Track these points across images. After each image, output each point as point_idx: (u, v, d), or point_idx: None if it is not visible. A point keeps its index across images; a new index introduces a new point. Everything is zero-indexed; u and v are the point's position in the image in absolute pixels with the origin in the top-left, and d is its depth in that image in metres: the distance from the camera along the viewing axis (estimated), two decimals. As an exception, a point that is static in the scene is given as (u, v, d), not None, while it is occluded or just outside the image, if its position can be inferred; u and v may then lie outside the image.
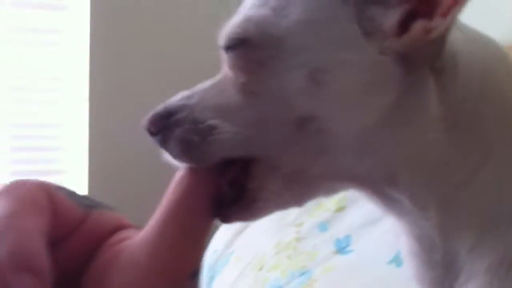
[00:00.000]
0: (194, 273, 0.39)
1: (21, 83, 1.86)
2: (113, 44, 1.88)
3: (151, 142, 0.46)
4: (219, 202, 0.41)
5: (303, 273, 1.10)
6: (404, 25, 0.42)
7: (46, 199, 0.37)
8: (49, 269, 0.34)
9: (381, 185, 0.46)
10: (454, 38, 0.44)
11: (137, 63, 1.92)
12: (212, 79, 0.47)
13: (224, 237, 1.41)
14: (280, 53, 0.43)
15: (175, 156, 0.44)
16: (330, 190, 0.49)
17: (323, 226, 1.19)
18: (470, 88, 0.44)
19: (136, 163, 1.80)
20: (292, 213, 1.29)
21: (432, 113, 0.43)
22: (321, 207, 1.24)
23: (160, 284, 0.38)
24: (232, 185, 0.44)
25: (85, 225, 0.40)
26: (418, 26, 0.41)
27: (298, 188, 0.46)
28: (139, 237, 0.39)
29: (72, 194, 0.40)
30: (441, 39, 0.43)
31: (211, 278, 1.32)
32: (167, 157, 0.45)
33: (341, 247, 1.10)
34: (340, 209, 1.19)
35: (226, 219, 0.44)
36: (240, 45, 0.44)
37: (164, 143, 0.44)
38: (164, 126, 0.44)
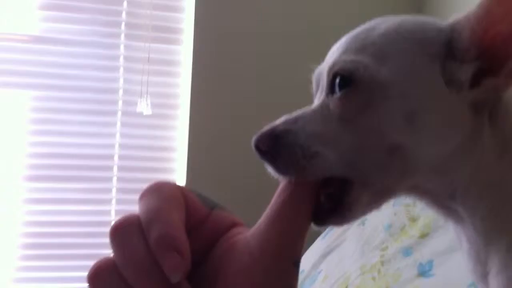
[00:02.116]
0: (296, 262, 0.47)
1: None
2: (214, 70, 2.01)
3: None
4: (317, 210, 0.49)
5: (386, 294, 1.16)
6: (477, 79, 0.52)
7: (182, 197, 0.46)
8: (189, 253, 0.42)
9: (443, 198, 0.56)
10: None
11: (235, 87, 2.03)
12: (310, 106, 0.56)
13: (311, 258, 1.48)
14: (382, 96, 0.51)
15: (281, 173, 0.51)
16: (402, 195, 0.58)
17: (407, 251, 1.24)
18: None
19: (231, 170, 1.93)
20: (377, 238, 1.35)
21: (486, 143, 0.53)
22: (406, 233, 1.30)
23: (270, 268, 0.45)
24: (329, 198, 0.52)
25: (208, 220, 0.47)
26: (488, 82, 0.51)
27: (382, 199, 0.54)
28: (252, 231, 0.48)
29: (199, 195, 0.49)
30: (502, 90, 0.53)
31: (298, 296, 1.40)
32: (271, 171, 0.53)
33: (424, 271, 1.15)
34: (424, 235, 1.24)
35: (322, 223, 0.52)
36: (348, 83, 0.52)
37: (272, 161, 0.52)
38: (272, 147, 0.52)
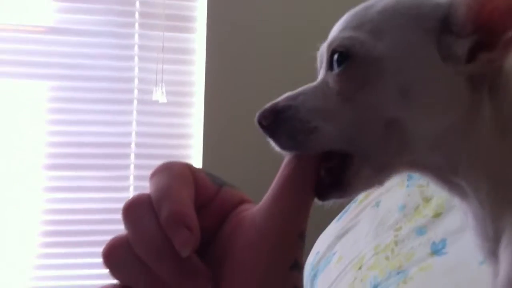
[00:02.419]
0: (301, 234, 0.48)
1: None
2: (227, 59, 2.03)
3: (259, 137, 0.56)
4: (317, 185, 0.50)
5: (399, 272, 1.17)
6: (473, 53, 0.52)
7: (191, 176, 0.47)
8: (198, 228, 0.43)
9: (446, 173, 0.56)
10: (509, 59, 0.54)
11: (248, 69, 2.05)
12: (313, 83, 0.57)
13: (326, 240, 1.50)
14: (378, 71, 0.53)
15: (282, 147, 0.53)
16: (404, 173, 0.59)
17: (421, 231, 1.25)
18: None
19: (246, 156, 1.95)
20: (391, 219, 1.36)
21: (486, 117, 0.53)
22: (419, 213, 1.31)
23: (275, 242, 0.47)
24: (330, 172, 0.53)
25: (217, 198, 0.49)
26: (483, 56, 0.51)
27: (382, 175, 0.55)
28: (257, 206, 0.49)
29: (208, 173, 0.50)
30: (499, 67, 0.53)
31: (314, 276, 1.42)
32: (274, 145, 0.54)
33: (437, 249, 1.16)
34: (437, 215, 1.25)
35: (323, 197, 0.53)
36: (345, 59, 0.54)
37: (273, 135, 0.54)
38: (274, 121, 0.54)
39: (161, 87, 2.00)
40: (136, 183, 2.05)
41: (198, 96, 2.08)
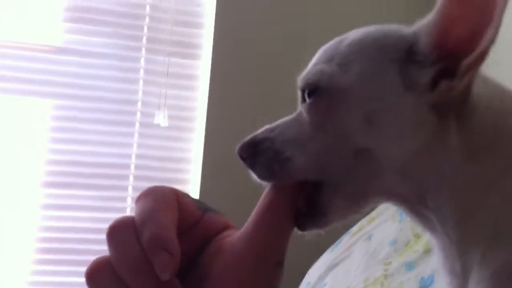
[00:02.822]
0: (279, 262, 0.50)
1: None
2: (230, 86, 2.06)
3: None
4: (297, 215, 0.52)
5: (387, 306, 1.19)
6: (437, 82, 0.53)
7: (175, 201, 0.49)
8: (178, 252, 0.45)
9: (415, 203, 0.56)
10: (477, 88, 0.54)
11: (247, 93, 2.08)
12: (292, 115, 0.59)
13: (318, 271, 1.52)
14: (343, 101, 0.54)
15: (261, 177, 0.56)
16: (380, 201, 0.60)
17: (410, 266, 1.27)
18: (485, 128, 0.54)
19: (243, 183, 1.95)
20: (382, 252, 1.38)
21: (453, 145, 0.53)
22: (410, 248, 1.33)
23: (253, 268, 0.48)
24: (306, 202, 0.55)
25: (201, 223, 0.50)
26: (443, 84, 0.52)
27: (356, 203, 0.57)
28: (237, 233, 0.51)
29: (193, 199, 0.52)
30: (467, 92, 0.53)
31: (303, 307, 1.43)
32: (254, 176, 0.56)
33: (425, 285, 1.18)
34: (427, 251, 1.27)
35: (302, 227, 0.55)
36: (314, 91, 0.56)
37: (251, 166, 0.57)
38: (252, 153, 0.57)
39: (164, 111, 2.03)
40: (134, 205, 2.06)
41: (199, 122, 2.10)
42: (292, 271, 1.62)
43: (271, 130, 0.58)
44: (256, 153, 0.56)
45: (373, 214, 1.56)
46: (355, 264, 1.41)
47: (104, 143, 2.06)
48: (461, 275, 0.54)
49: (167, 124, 2.03)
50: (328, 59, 0.57)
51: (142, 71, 2.08)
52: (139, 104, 2.08)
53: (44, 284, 2.00)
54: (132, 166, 2.09)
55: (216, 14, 2.06)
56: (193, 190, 2.06)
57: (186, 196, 0.51)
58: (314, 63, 0.58)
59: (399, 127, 0.54)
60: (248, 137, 0.58)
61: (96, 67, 2.04)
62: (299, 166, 0.55)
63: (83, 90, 2.03)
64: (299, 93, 0.60)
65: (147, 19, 2.08)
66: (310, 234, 0.57)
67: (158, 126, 2.04)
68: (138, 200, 0.47)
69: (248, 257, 0.49)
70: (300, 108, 0.58)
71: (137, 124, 2.08)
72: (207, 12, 2.11)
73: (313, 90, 0.56)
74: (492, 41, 0.49)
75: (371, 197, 0.57)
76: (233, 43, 2.08)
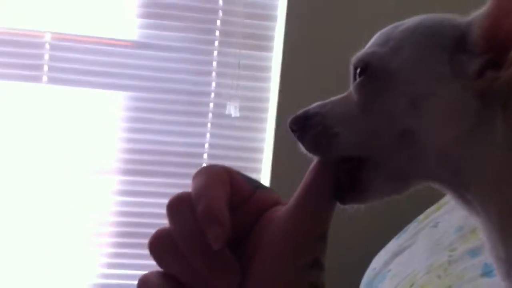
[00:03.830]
0: (321, 236, 0.52)
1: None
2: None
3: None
4: (338, 188, 0.54)
5: (449, 291, 1.18)
6: (484, 72, 0.54)
7: (227, 178, 0.50)
8: (229, 224, 0.46)
9: (458, 188, 0.57)
10: None
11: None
12: (344, 94, 0.61)
13: (383, 257, 1.52)
14: (391, 83, 0.56)
15: (309, 150, 0.58)
16: (423, 184, 0.60)
17: (474, 253, 1.26)
18: None
19: None
20: (447, 239, 1.37)
21: (498, 135, 0.54)
22: (476, 236, 1.31)
23: (294, 241, 0.51)
24: (348, 175, 0.56)
25: (252, 199, 0.52)
26: (489, 74, 0.53)
27: (397, 183, 0.58)
28: (284, 208, 0.53)
29: (246, 177, 0.54)
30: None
31: (367, 292, 1.44)
32: (303, 149, 0.59)
33: (488, 271, 1.16)
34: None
35: (342, 201, 0.56)
36: (365, 70, 0.58)
37: (301, 139, 0.59)
38: (302, 126, 0.58)
39: (235, 102, 2.08)
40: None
41: (270, 112, 2.14)
42: (359, 257, 1.64)
43: (322, 106, 0.60)
44: (306, 127, 0.58)
45: (441, 201, 1.55)
46: (420, 251, 1.41)
47: (179, 133, 2.13)
48: (505, 261, 0.55)
49: (238, 115, 2.08)
50: (382, 42, 0.59)
51: (215, 64, 2.14)
52: (212, 95, 2.14)
53: (120, 266, 2.11)
54: (205, 155, 2.15)
55: (288, 6, 2.09)
56: (264, 178, 2.10)
57: (238, 173, 0.53)
58: (370, 45, 0.60)
59: (444, 113, 0.55)
60: (300, 111, 0.60)
61: (170, 61, 2.11)
62: (345, 142, 0.56)
63: (159, 82, 2.10)
64: (351, 71, 0.61)
65: (220, 12, 2.13)
66: (349, 208, 0.59)
67: (230, 116, 2.09)
68: (194, 177, 0.50)
69: (290, 231, 0.51)
70: (351, 86, 0.60)
71: (210, 115, 2.14)
72: (278, 4, 2.14)
73: (364, 69, 0.58)
74: None
75: (412, 179, 0.59)
76: (304, 34, 2.10)
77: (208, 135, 2.15)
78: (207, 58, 2.14)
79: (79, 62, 2.05)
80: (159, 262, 0.50)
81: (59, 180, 2.08)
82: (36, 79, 2.05)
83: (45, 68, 2.05)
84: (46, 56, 2.04)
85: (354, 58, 0.60)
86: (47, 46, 2.04)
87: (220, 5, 2.13)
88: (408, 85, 0.56)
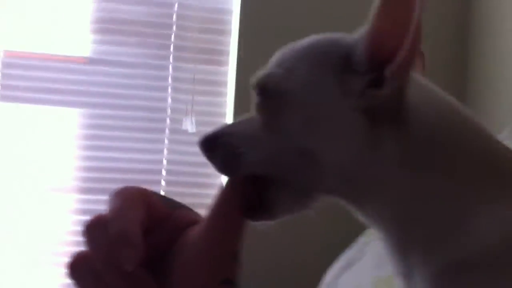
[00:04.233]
0: (234, 255, 0.53)
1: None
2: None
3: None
4: (247, 207, 0.55)
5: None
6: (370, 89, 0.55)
7: (143, 199, 0.52)
8: (141, 245, 0.48)
9: (360, 204, 0.59)
10: (414, 97, 0.56)
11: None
12: (249, 113, 0.62)
13: (335, 270, 1.52)
14: (287, 104, 0.58)
15: (218, 169, 0.59)
16: (329, 199, 0.61)
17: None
18: (421, 137, 0.55)
19: None
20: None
21: (388, 152, 0.55)
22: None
23: (208, 260, 0.52)
24: (256, 194, 0.58)
25: (170, 219, 0.54)
26: (370, 92, 0.55)
27: (303, 199, 0.59)
28: (198, 226, 0.54)
29: (162, 197, 0.57)
30: (399, 101, 0.55)
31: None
32: (213, 168, 0.60)
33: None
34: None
35: (252, 219, 0.58)
36: (262, 92, 0.59)
37: (210, 159, 0.60)
38: (211, 147, 0.60)
39: (191, 117, 2.08)
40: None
41: (227, 127, 2.14)
42: (313, 273, 1.63)
43: (231, 126, 0.62)
44: (215, 147, 0.60)
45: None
46: (367, 264, 1.42)
47: (135, 149, 2.13)
48: (406, 276, 0.57)
49: (194, 130, 2.08)
50: (279, 63, 0.60)
51: (170, 79, 2.14)
52: (168, 111, 2.14)
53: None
54: (164, 171, 2.14)
55: (241, 20, 2.10)
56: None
57: (155, 194, 0.55)
58: (268, 66, 0.61)
59: (336, 133, 0.57)
60: (209, 132, 0.61)
61: (125, 76, 2.10)
62: (250, 161, 0.58)
63: (113, 98, 2.10)
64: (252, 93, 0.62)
65: (174, 27, 2.13)
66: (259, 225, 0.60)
67: (187, 132, 2.09)
68: (110, 199, 0.52)
69: (202, 251, 0.52)
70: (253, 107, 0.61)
71: (167, 131, 2.14)
72: (232, 19, 2.15)
73: (262, 91, 0.59)
74: (410, 53, 0.53)
75: (316, 195, 0.60)
76: (259, 48, 2.11)
77: (165, 151, 2.14)
78: (162, 74, 2.14)
79: (32, 80, 2.04)
80: (78, 285, 0.51)
81: (15, 199, 2.06)
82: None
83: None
84: (-2, 74, 2.03)
85: (253, 79, 0.61)
86: (-1, 64, 2.03)
87: (174, 20, 2.13)
88: (302, 107, 0.57)
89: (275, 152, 0.58)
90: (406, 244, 0.56)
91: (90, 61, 2.09)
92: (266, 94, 0.59)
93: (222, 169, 0.59)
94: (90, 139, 2.11)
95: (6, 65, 2.03)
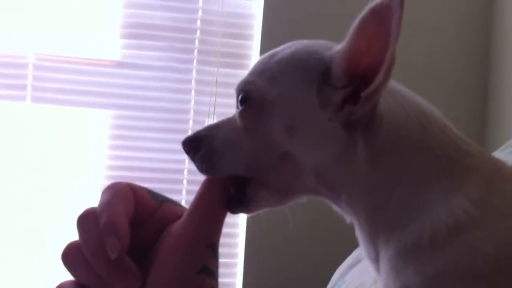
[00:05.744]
0: (211, 245, 0.56)
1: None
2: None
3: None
4: (228, 200, 0.60)
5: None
6: (346, 103, 0.59)
7: (131, 193, 0.56)
8: (127, 236, 0.52)
9: (335, 200, 0.64)
10: (385, 104, 0.61)
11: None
12: (231, 116, 0.67)
13: (341, 269, 1.57)
14: (269, 112, 0.61)
15: (198, 169, 0.63)
16: (303, 197, 0.67)
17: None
18: (388, 140, 0.60)
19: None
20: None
21: (360, 154, 0.60)
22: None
23: (185, 250, 0.55)
24: (236, 190, 0.62)
25: (157, 213, 0.58)
26: (346, 109, 0.59)
27: (280, 197, 0.64)
28: (179, 219, 0.59)
29: (150, 192, 0.59)
30: (372, 111, 0.60)
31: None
32: (195, 167, 0.65)
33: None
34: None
35: (232, 211, 0.62)
36: (245, 100, 0.63)
37: (192, 159, 0.64)
38: (193, 148, 0.64)
39: (213, 119, 2.15)
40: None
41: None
42: (323, 271, 1.68)
43: (211, 128, 0.66)
44: (197, 148, 0.64)
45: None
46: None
47: (159, 149, 2.20)
48: (375, 260, 0.62)
49: (216, 131, 2.14)
50: (260, 72, 0.64)
51: (193, 82, 2.21)
52: (191, 112, 2.21)
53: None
54: (185, 171, 2.21)
55: (263, 25, 2.16)
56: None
57: (145, 189, 0.60)
58: (249, 72, 0.66)
59: (315, 139, 0.61)
60: (192, 133, 0.66)
61: (151, 79, 2.18)
62: (228, 163, 0.62)
63: (140, 101, 2.17)
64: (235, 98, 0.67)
65: (198, 32, 2.20)
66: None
67: (209, 133, 2.15)
68: (102, 193, 0.57)
69: (181, 240, 0.56)
70: (236, 112, 0.66)
71: (190, 132, 2.20)
72: (254, 23, 2.21)
73: (244, 99, 0.63)
74: (385, 78, 0.56)
75: (294, 193, 0.65)
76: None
77: (188, 151, 2.20)
78: (186, 77, 2.21)
79: (62, 82, 2.12)
80: (71, 272, 0.56)
81: (46, 199, 2.13)
82: (20, 98, 2.11)
83: (29, 87, 2.10)
84: (30, 76, 2.10)
85: (237, 85, 0.65)
86: (30, 66, 2.10)
87: (198, 25, 2.20)
88: (283, 116, 0.62)
89: (256, 155, 0.62)
90: (374, 231, 0.61)
91: (118, 64, 2.17)
92: (248, 102, 0.63)
93: (203, 170, 0.63)
94: (117, 139, 2.19)
95: (37, 67, 2.12)
